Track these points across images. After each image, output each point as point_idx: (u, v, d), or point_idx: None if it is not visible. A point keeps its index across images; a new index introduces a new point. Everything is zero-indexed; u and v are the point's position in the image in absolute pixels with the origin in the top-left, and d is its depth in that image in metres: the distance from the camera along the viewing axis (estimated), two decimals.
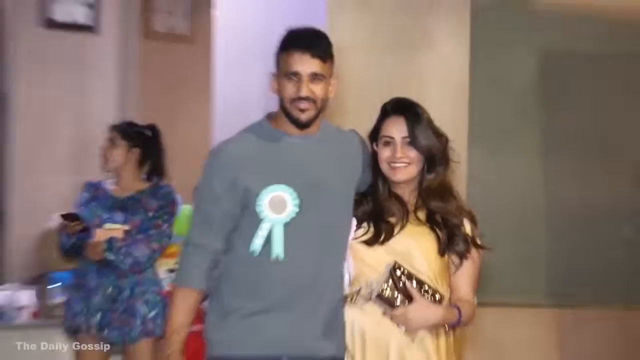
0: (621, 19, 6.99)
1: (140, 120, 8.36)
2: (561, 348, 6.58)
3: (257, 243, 3.56)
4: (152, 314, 5.35)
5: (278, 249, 3.55)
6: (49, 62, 7.71)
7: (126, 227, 5.39)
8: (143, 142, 5.62)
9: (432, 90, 6.12)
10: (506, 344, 6.40)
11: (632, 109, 7.01)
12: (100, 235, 5.35)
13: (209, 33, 7.44)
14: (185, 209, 6.26)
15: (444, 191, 3.71)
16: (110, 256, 5.30)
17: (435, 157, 3.69)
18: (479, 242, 3.71)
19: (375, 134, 3.74)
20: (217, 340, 3.61)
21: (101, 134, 7.85)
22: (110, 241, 5.32)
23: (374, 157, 3.74)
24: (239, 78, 6.68)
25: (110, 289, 5.38)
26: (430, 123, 3.70)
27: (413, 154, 3.68)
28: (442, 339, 3.67)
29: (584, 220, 6.78)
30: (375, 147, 3.74)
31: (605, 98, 6.96)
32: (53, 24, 7.68)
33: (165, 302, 5.32)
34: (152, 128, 5.72)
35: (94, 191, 5.61)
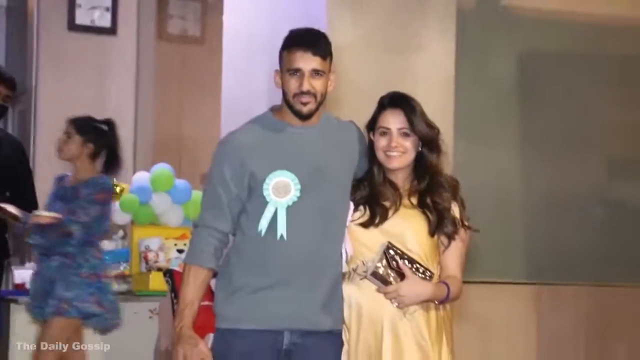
0: (593, 23, 6.98)
1: (154, 115, 8.40)
2: (539, 322, 6.56)
3: (263, 224, 3.53)
4: (69, 294, 5.29)
5: (282, 229, 3.52)
6: (70, 62, 7.71)
7: (56, 215, 5.30)
8: (97, 136, 5.51)
9: (422, 87, 6.09)
10: (489, 318, 6.37)
11: (602, 106, 6.99)
12: (33, 220, 5.35)
13: (218, 35, 7.44)
14: (195, 195, 6.29)
15: (435, 176, 3.69)
16: (30, 240, 5.29)
17: (433, 140, 3.68)
18: (466, 224, 3.72)
19: (372, 125, 3.73)
20: (226, 314, 3.57)
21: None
22: (33, 226, 5.29)
23: (370, 146, 3.73)
24: (245, 77, 6.66)
25: (38, 269, 5.40)
26: (423, 114, 3.69)
27: (407, 143, 3.66)
28: (432, 313, 3.63)
29: (559, 205, 6.75)
30: (372, 137, 3.73)
31: (578, 95, 6.94)
32: (75, 27, 7.68)
33: (90, 285, 5.31)
34: (109, 123, 5.62)
35: (58, 183, 5.57)
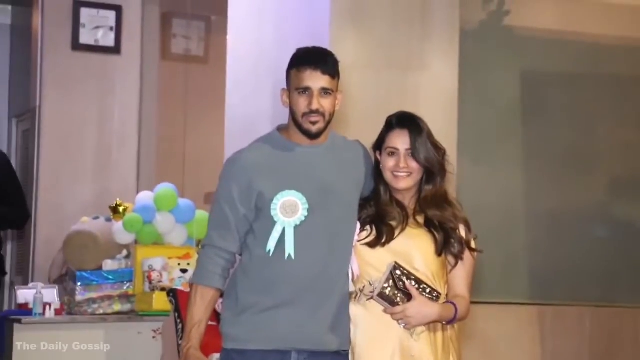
0: (594, 43, 6.99)
1: (158, 134, 8.37)
2: (542, 342, 6.55)
3: (272, 244, 3.51)
4: None
5: (290, 249, 3.50)
6: (74, 81, 7.73)
7: None
8: None
9: (425, 105, 6.08)
10: (492, 338, 6.35)
11: (605, 124, 7.00)
12: None
13: (222, 55, 7.43)
14: (199, 214, 6.26)
15: (440, 200, 3.66)
16: None
17: (434, 169, 3.64)
18: (472, 245, 3.67)
19: (379, 144, 3.70)
20: (233, 334, 3.55)
21: (121, 147, 7.88)
22: None
23: (377, 165, 3.70)
24: (249, 96, 6.66)
25: None
26: (430, 136, 3.66)
27: (414, 164, 3.63)
28: (439, 334, 3.61)
29: (561, 223, 6.75)
30: (378, 156, 3.70)
31: (579, 114, 6.95)
32: (79, 46, 7.70)
33: None
34: None
35: None
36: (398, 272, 3.52)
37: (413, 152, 3.62)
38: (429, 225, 3.64)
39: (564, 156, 6.86)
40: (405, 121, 3.68)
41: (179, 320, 5.31)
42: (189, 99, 9.03)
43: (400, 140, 3.65)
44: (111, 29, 7.76)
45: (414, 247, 3.61)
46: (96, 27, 7.71)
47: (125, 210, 6.20)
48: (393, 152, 3.65)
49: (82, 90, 7.76)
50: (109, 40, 7.76)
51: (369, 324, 3.60)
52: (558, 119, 6.89)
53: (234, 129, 6.80)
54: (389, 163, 3.66)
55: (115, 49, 7.79)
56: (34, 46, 7.83)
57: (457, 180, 6.15)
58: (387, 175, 3.66)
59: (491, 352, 6.39)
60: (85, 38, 7.71)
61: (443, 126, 6.20)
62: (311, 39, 5.83)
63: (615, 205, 7.00)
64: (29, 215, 5.80)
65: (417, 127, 3.66)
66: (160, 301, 5.73)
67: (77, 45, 7.70)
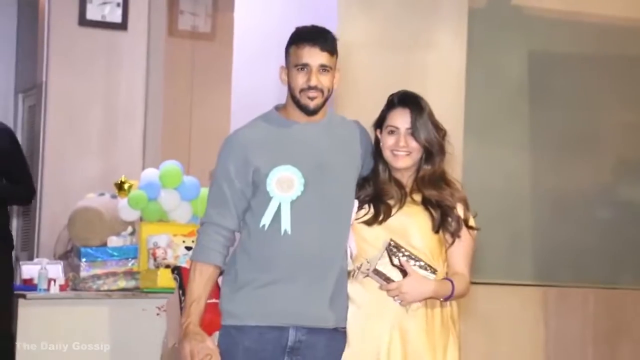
0: (603, 23, 6.97)
1: (164, 111, 8.35)
2: (546, 324, 6.56)
3: (267, 218, 3.53)
4: None
5: (286, 224, 3.52)
6: (80, 57, 7.72)
7: None
8: None
9: (432, 86, 6.08)
10: (496, 319, 6.37)
11: (612, 105, 6.99)
12: None
13: (229, 32, 7.43)
14: (204, 192, 6.26)
15: (438, 180, 3.67)
16: None
17: (433, 149, 3.65)
18: (471, 223, 3.67)
19: (380, 123, 3.71)
20: (231, 311, 3.57)
21: (127, 123, 7.88)
22: None
23: (377, 144, 3.72)
24: (256, 73, 6.66)
25: None
26: (431, 116, 3.67)
27: (414, 144, 3.64)
28: (437, 310, 3.62)
29: (567, 206, 6.75)
30: (379, 135, 3.71)
31: (587, 96, 6.94)
32: (85, 22, 7.69)
33: None
34: None
35: None
36: (394, 248, 3.54)
37: (413, 132, 3.63)
38: (426, 203, 3.65)
39: (570, 137, 6.85)
40: (407, 100, 3.69)
41: (183, 298, 5.30)
42: (196, 75, 9.03)
43: (401, 119, 3.66)
44: (118, 4, 7.74)
45: (411, 224, 3.63)
46: (103, 2, 7.70)
47: (130, 187, 6.21)
48: (393, 131, 3.66)
49: (89, 66, 7.75)
50: (115, 16, 7.75)
51: (366, 301, 3.62)
52: (565, 99, 6.89)
53: (240, 106, 6.81)
54: (388, 141, 3.66)
55: (122, 25, 7.78)
56: (40, 21, 7.81)
57: (462, 162, 6.18)
58: (387, 154, 3.67)
59: (494, 332, 6.41)
60: (92, 14, 7.70)
61: (450, 106, 6.21)
62: (318, 17, 5.83)
63: (620, 187, 6.99)
64: (35, 191, 5.82)
65: (418, 107, 3.67)
66: (165, 278, 5.75)
67: (83, 21, 7.68)
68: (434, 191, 3.64)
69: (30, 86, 8.24)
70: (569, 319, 6.64)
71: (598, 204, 6.89)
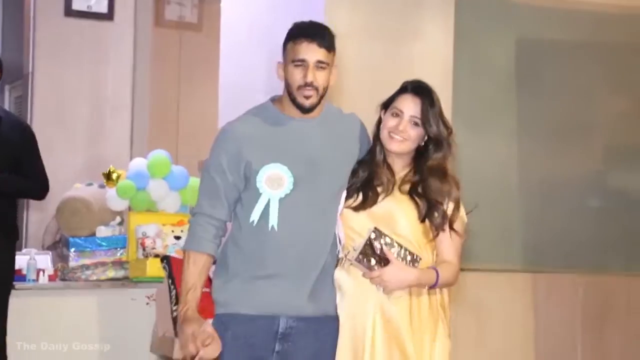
0: (589, 11, 6.98)
1: (151, 100, 8.37)
2: (535, 309, 6.60)
3: (255, 215, 3.58)
4: None
5: (273, 220, 3.57)
6: (67, 47, 7.73)
7: None
8: None
9: (419, 74, 5.94)
10: (486, 305, 6.39)
11: (597, 93, 7.00)
12: None
13: (216, 22, 7.44)
14: (192, 181, 6.30)
15: (443, 173, 3.69)
16: None
17: (442, 141, 3.67)
18: (455, 227, 3.67)
19: (387, 104, 3.73)
20: (223, 300, 3.63)
21: (114, 114, 7.89)
22: None
23: (378, 124, 3.75)
24: (243, 64, 6.67)
25: None
26: (441, 112, 3.69)
27: (413, 133, 3.67)
28: (425, 298, 3.65)
29: (556, 193, 6.75)
30: (382, 115, 3.73)
31: (575, 84, 6.95)
32: (71, 12, 7.71)
33: None
34: None
35: None
36: (376, 236, 3.57)
37: (424, 122, 3.64)
38: (413, 193, 3.67)
39: (558, 125, 6.86)
40: (421, 90, 3.71)
41: (172, 287, 5.36)
42: (183, 65, 9.05)
43: (409, 106, 3.67)
44: None
45: (397, 211, 3.66)
46: None
47: (118, 177, 6.23)
48: (397, 114, 3.68)
49: (75, 56, 7.77)
50: (102, 6, 7.77)
51: (351, 288, 3.65)
52: (553, 88, 6.89)
53: (228, 96, 6.82)
54: (389, 123, 3.69)
55: (108, 15, 7.79)
56: (26, 12, 7.82)
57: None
58: (384, 134, 3.70)
59: (485, 318, 6.43)
60: (78, 4, 7.71)
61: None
62: (305, 7, 5.86)
63: (609, 174, 7.01)
64: (48, 187, 5.83)
65: (430, 99, 3.68)
66: (154, 267, 5.79)
67: (69, 12, 7.70)
68: (438, 182, 3.65)
69: (17, 77, 8.24)
70: (558, 305, 6.67)
71: (587, 191, 6.90)
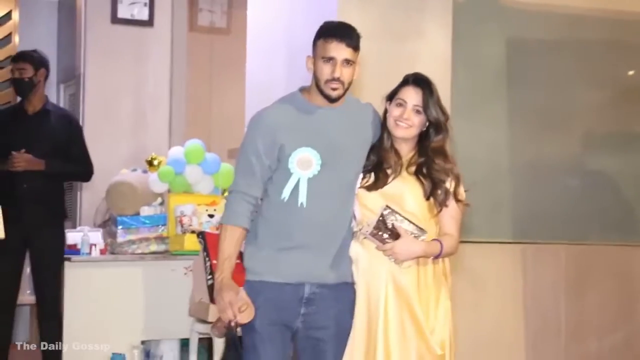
0: (573, 14, 6.93)
1: (187, 97, 8.37)
2: (524, 276, 6.58)
3: (286, 192, 3.60)
4: None
5: (303, 198, 3.60)
6: (113, 51, 7.75)
7: None
8: None
9: (421, 71, 6.04)
10: (481, 273, 6.38)
11: (578, 86, 6.96)
12: None
13: (243, 27, 7.46)
14: (223, 167, 6.31)
15: (441, 154, 3.72)
16: None
17: (441, 125, 3.71)
18: (459, 197, 3.71)
19: (391, 96, 3.76)
20: (253, 268, 3.66)
21: (155, 108, 7.90)
22: None
23: (384, 114, 3.77)
24: (266, 64, 6.66)
25: None
26: (438, 100, 3.73)
27: (417, 120, 3.70)
28: (430, 267, 3.69)
29: (542, 174, 6.71)
30: (387, 106, 3.76)
31: (558, 78, 6.91)
32: (117, 20, 7.72)
33: None
34: None
35: None
36: (388, 213, 3.59)
37: (425, 109, 3.68)
38: (418, 174, 3.70)
39: (544, 114, 6.82)
40: (421, 81, 3.75)
41: (207, 259, 5.36)
42: (214, 66, 9.05)
43: (412, 96, 3.70)
44: (145, 4, 7.77)
45: (405, 191, 3.68)
46: (132, 2, 7.72)
47: (159, 163, 6.26)
48: (401, 104, 3.71)
49: (120, 59, 7.77)
50: (143, 14, 7.77)
51: (365, 260, 3.68)
52: (539, 81, 6.85)
53: (253, 93, 6.81)
54: (395, 112, 3.71)
55: (149, 22, 7.80)
56: (78, 21, 7.84)
57: (451, 136, 6.17)
58: (390, 122, 3.72)
59: (479, 285, 6.42)
60: (122, 13, 7.73)
61: (438, 89, 6.20)
62: (320, 11, 5.85)
63: (588, 157, 6.97)
64: (93, 170, 5.92)
65: (430, 89, 3.73)
66: (191, 242, 5.81)
67: (115, 19, 7.72)
68: (441, 162, 3.68)
69: (70, 77, 8.28)
70: (544, 272, 6.65)
71: (568, 172, 6.88)
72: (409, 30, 6.13)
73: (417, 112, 3.70)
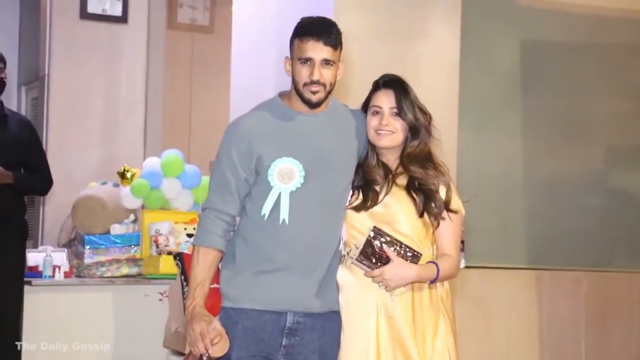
0: (593, 14, 6.98)
1: (164, 101, 8.32)
2: (539, 305, 6.59)
3: (267, 208, 3.52)
4: None
5: (284, 214, 3.52)
6: (82, 49, 7.72)
7: None
8: None
9: (427, 74, 6.08)
10: (490, 301, 6.40)
11: (600, 93, 7.01)
12: None
13: (227, 24, 7.43)
14: (205, 180, 6.28)
15: (424, 160, 3.66)
16: None
17: (419, 128, 3.64)
18: (451, 207, 3.65)
19: (365, 106, 3.70)
20: (230, 294, 3.58)
21: (128, 114, 7.87)
22: None
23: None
24: (255, 64, 6.66)
25: None
26: (415, 100, 3.66)
27: (398, 124, 3.63)
28: (425, 292, 3.62)
29: (558, 191, 6.77)
30: (366, 118, 3.69)
31: (577, 83, 6.96)
32: (86, 15, 7.69)
33: None
34: None
35: None
36: (376, 235, 3.54)
37: (399, 111, 3.62)
38: (410, 188, 3.64)
39: (562, 125, 6.88)
40: (391, 83, 3.68)
41: (185, 283, 5.33)
42: (195, 67, 9.05)
43: (385, 100, 3.64)
44: None
45: (396, 209, 3.62)
46: None
47: (132, 175, 6.24)
48: (377, 111, 3.65)
49: (90, 58, 7.75)
50: (116, 9, 7.75)
51: (352, 287, 3.62)
52: (557, 88, 6.91)
53: (239, 96, 6.81)
54: (373, 122, 3.65)
55: (122, 18, 7.78)
56: (42, 15, 7.81)
57: (457, 148, 6.19)
58: (371, 134, 3.66)
59: (489, 314, 6.43)
60: (93, 7, 7.70)
61: (444, 94, 6.22)
62: (315, 7, 5.83)
63: (611, 173, 7.02)
64: (52, 182, 5.86)
65: (402, 88, 3.66)
66: (167, 264, 5.78)
67: (85, 14, 7.68)
68: (420, 169, 3.64)
69: (33, 79, 8.24)
70: (562, 301, 6.68)
71: (589, 189, 6.91)
72: (413, 30, 6.16)
73: (397, 114, 3.66)
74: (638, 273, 6.87)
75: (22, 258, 5.79)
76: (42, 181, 5.86)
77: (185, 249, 5.77)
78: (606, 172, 7.00)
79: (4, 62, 5.79)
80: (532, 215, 6.69)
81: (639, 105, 7.06)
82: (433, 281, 3.61)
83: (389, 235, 3.55)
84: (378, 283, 3.56)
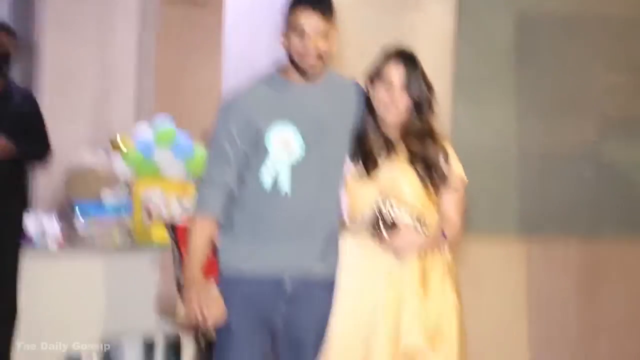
0: None
1: (156, 70, 8.36)
2: (529, 274, 6.62)
3: (267, 181, 3.64)
4: None
5: (285, 186, 3.63)
6: (74, 19, 7.73)
7: None
8: None
9: (421, 47, 5.98)
10: (483, 268, 6.35)
11: (594, 66, 6.99)
12: None
13: None
14: (197, 150, 6.36)
15: (426, 135, 3.78)
16: None
17: (423, 104, 3.76)
18: (454, 174, 3.78)
19: (373, 75, 3.79)
20: (228, 261, 3.70)
21: (121, 84, 7.92)
22: None
23: (368, 97, 3.80)
24: (246, 34, 6.67)
25: None
26: (423, 74, 3.78)
27: (407, 99, 3.74)
28: (432, 258, 3.75)
29: (552, 162, 6.75)
30: (369, 86, 3.80)
31: (572, 56, 6.93)
32: None
33: None
34: None
35: None
36: (385, 204, 3.67)
37: (408, 86, 3.72)
38: (411, 158, 3.75)
39: (556, 97, 6.86)
40: (403, 55, 3.78)
41: (176, 252, 5.38)
42: (187, 38, 9.06)
43: (396, 73, 3.73)
44: None
45: (400, 177, 3.74)
46: None
47: (125, 144, 6.29)
48: (388, 86, 3.74)
49: (82, 28, 7.76)
50: None
51: (358, 255, 3.74)
52: (553, 62, 6.87)
53: (232, 67, 6.83)
54: (383, 96, 3.75)
55: None
56: None
57: (451, 120, 6.22)
58: (380, 108, 3.76)
59: (477, 283, 6.40)
60: None
61: (438, 67, 6.14)
62: None
63: (603, 145, 6.99)
64: (51, 148, 5.92)
65: (413, 63, 3.76)
66: (158, 233, 5.86)
67: None
68: (420, 146, 3.75)
69: (24, 48, 8.26)
70: (552, 270, 6.68)
71: (582, 160, 6.88)
72: (406, 1, 6.15)
73: (405, 89, 3.75)
74: (629, 241, 6.91)
75: (21, 226, 5.87)
76: (42, 150, 5.92)
77: (178, 218, 5.83)
78: (599, 143, 6.94)
79: (9, 32, 5.85)
80: (525, 185, 6.72)
81: (633, 77, 7.06)
82: (440, 247, 3.76)
83: (395, 204, 3.68)
84: (388, 251, 3.68)
